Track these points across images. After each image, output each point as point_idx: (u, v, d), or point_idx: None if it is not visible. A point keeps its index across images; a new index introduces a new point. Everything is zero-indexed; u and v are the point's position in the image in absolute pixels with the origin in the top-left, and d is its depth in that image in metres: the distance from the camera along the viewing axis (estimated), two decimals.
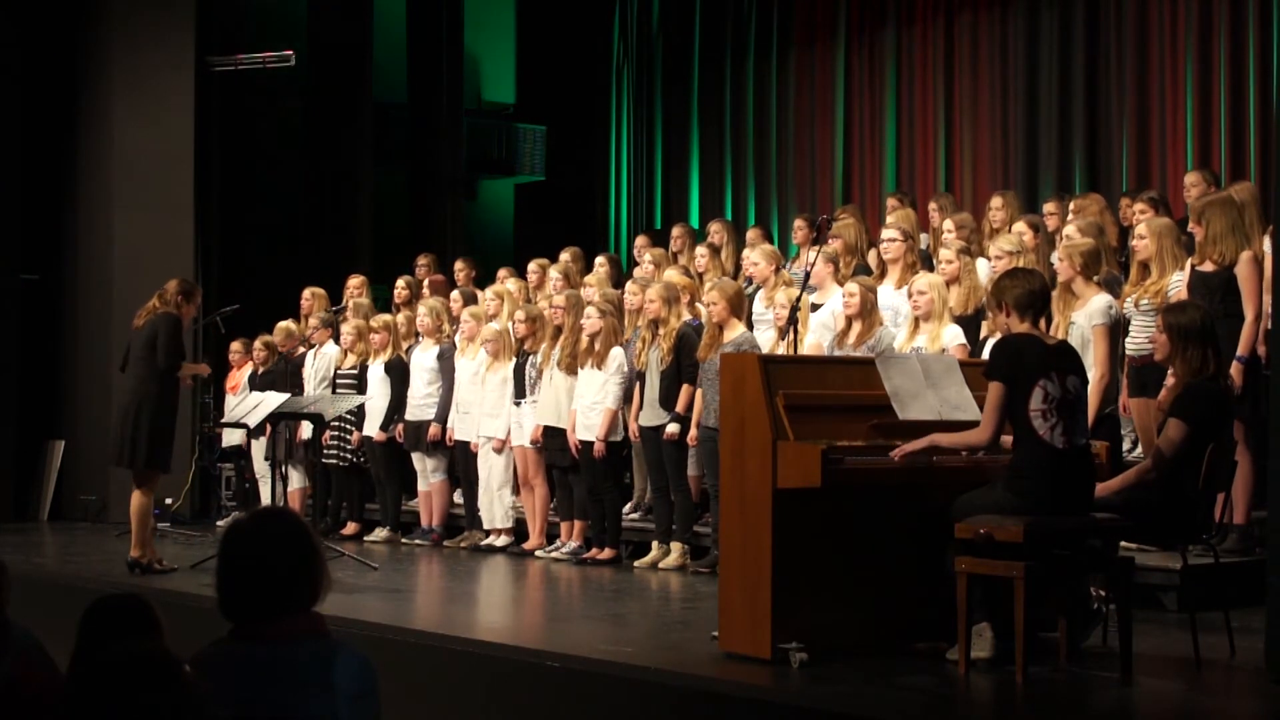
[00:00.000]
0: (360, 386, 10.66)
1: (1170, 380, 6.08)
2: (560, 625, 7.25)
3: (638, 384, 9.05)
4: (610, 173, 15.14)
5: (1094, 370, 7.13)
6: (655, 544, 8.98)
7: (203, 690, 2.58)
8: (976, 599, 5.45)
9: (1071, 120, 11.51)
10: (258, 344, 11.74)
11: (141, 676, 2.52)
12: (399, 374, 10.60)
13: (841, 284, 8.42)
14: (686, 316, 8.90)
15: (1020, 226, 8.55)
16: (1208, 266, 7.30)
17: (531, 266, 10.90)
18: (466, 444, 10.10)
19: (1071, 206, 8.95)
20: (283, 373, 11.21)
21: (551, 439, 9.38)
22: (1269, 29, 10.39)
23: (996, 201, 9.39)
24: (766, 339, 8.75)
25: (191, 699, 2.55)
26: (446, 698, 6.19)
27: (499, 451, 9.81)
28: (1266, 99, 10.35)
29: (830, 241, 9.18)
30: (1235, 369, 7.04)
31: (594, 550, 9.22)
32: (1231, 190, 7.87)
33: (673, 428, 8.70)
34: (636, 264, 10.63)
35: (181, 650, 2.93)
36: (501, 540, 9.86)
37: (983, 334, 7.85)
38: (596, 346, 9.11)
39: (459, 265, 12.09)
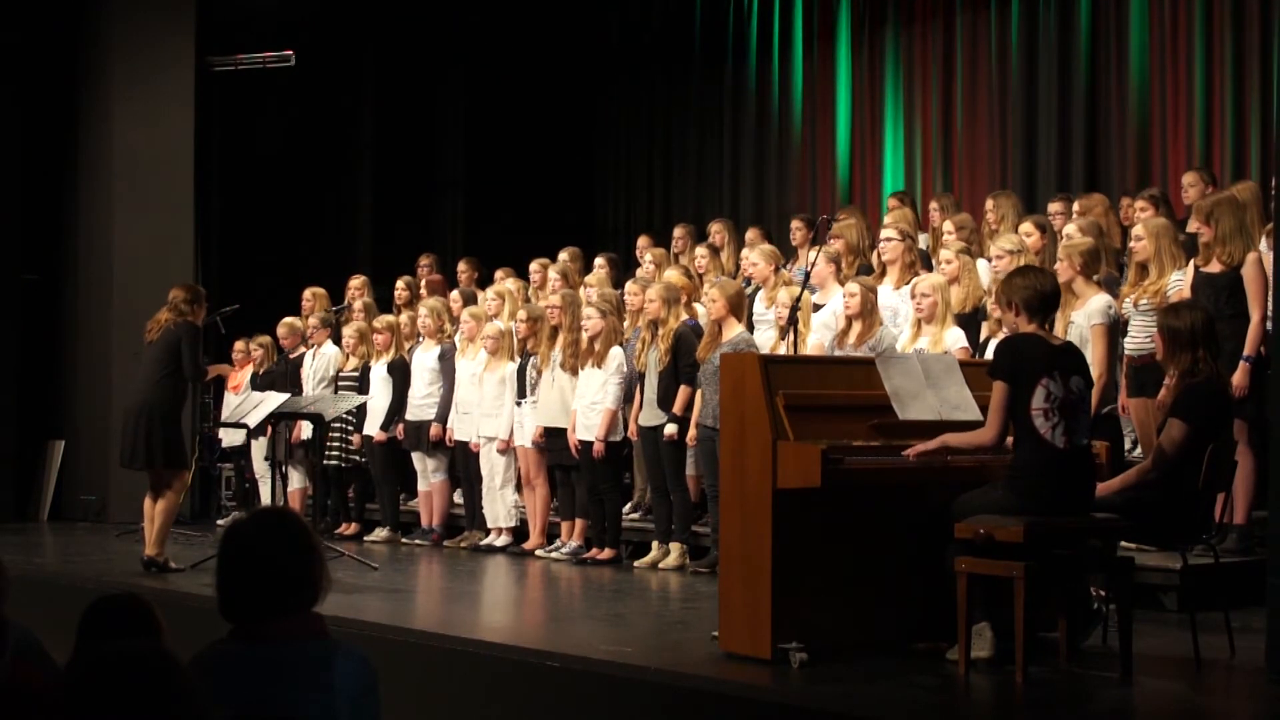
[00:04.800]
0: (362, 389, 10.67)
1: (1169, 380, 6.09)
2: (560, 625, 7.25)
3: (638, 384, 9.05)
4: (610, 173, 15.14)
5: (1092, 370, 7.13)
6: (655, 544, 8.98)
7: (202, 690, 2.57)
8: (976, 599, 5.45)
9: (1071, 120, 11.49)
10: (254, 344, 11.75)
11: (139, 675, 2.51)
12: (401, 374, 10.61)
13: (843, 284, 8.42)
14: (685, 317, 8.90)
15: (1027, 227, 8.54)
16: (1214, 267, 7.30)
17: (533, 266, 10.91)
18: (467, 444, 10.11)
19: (1076, 207, 8.95)
20: (283, 373, 11.22)
21: (554, 439, 9.38)
22: (1270, 28, 10.38)
23: (989, 204, 9.40)
24: (767, 339, 8.76)
25: (190, 699, 2.54)
26: (446, 698, 6.19)
27: (503, 452, 9.82)
28: (1268, 98, 10.33)
29: (831, 241, 9.18)
30: (1241, 369, 7.05)
31: (594, 550, 9.22)
32: (1234, 190, 7.87)
33: (670, 428, 8.70)
34: (638, 264, 10.63)
35: (181, 650, 2.93)
36: (502, 540, 9.86)
37: (983, 335, 7.85)
38: (596, 346, 9.12)
39: (461, 266, 12.09)
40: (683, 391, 8.67)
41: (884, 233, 8.91)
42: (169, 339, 8.72)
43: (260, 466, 11.35)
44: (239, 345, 12.04)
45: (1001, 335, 6.99)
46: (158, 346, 8.75)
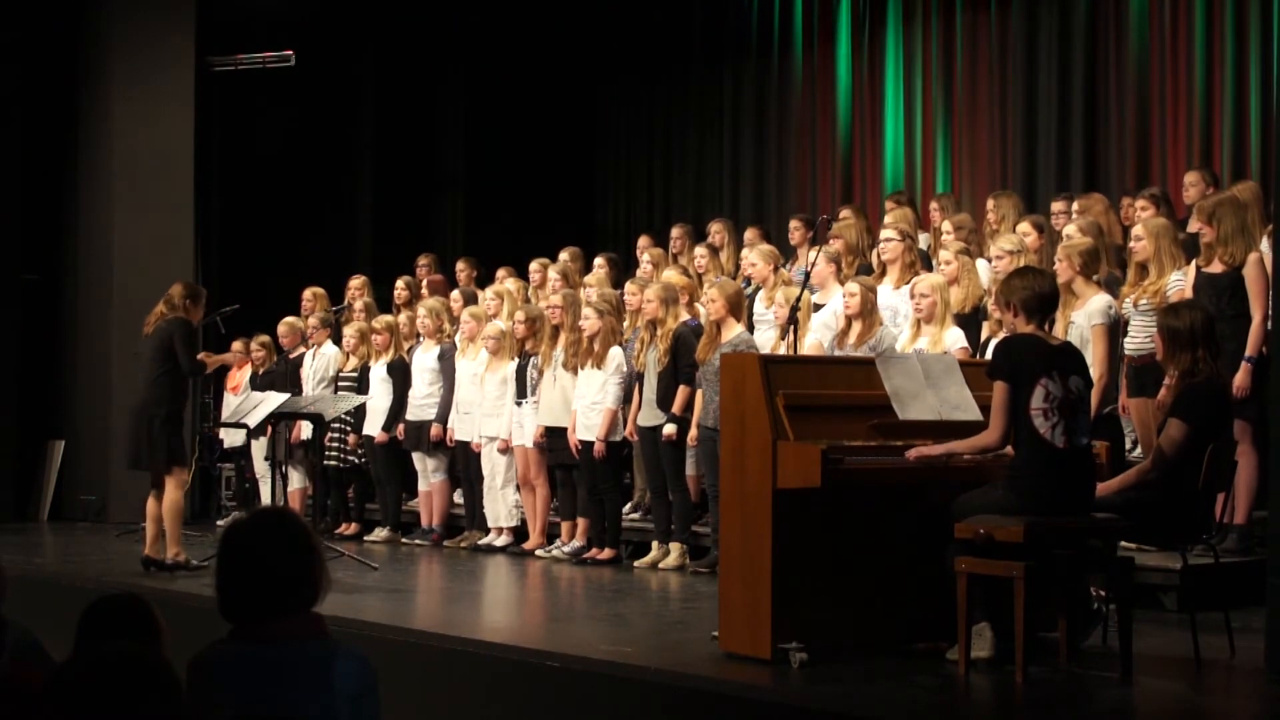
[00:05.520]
0: (362, 389, 10.66)
1: (1169, 380, 6.09)
2: (560, 625, 7.25)
3: (636, 384, 9.05)
4: (610, 172, 15.14)
5: (1092, 370, 7.13)
6: (655, 544, 8.98)
7: (192, 695, 2.58)
8: (976, 599, 5.45)
9: (1071, 120, 11.48)
10: (255, 344, 11.74)
11: (127, 679, 2.51)
12: (400, 374, 10.61)
13: (843, 284, 8.42)
14: (684, 317, 8.90)
15: (1024, 227, 8.54)
16: (1216, 267, 7.29)
17: (533, 266, 10.90)
18: (467, 444, 10.11)
19: (1075, 206, 8.94)
20: (283, 373, 11.22)
21: (555, 438, 9.38)
22: (1270, 27, 10.37)
23: (990, 204, 9.42)
24: (767, 339, 8.76)
25: (178, 702, 2.54)
26: (446, 698, 6.19)
27: (504, 452, 9.81)
28: (1267, 98, 10.33)
29: (831, 241, 9.18)
30: (1243, 369, 7.05)
31: (594, 550, 9.22)
32: (1235, 190, 7.87)
33: (669, 428, 8.70)
34: (639, 264, 10.62)
35: (182, 650, 2.93)
36: (502, 540, 9.86)
37: (983, 335, 7.85)
38: (595, 347, 9.12)
39: (460, 265, 12.09)
40: (682, 391, 8.66)
41: (884, 233, 8.91)
42: (161, 336, 8.67)
43: (260, 466, 11.34)
44: (238, 345, 12.03)
45: (1001, 336, 7.00)
46: (151, 345, 8.72)
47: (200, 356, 8.98)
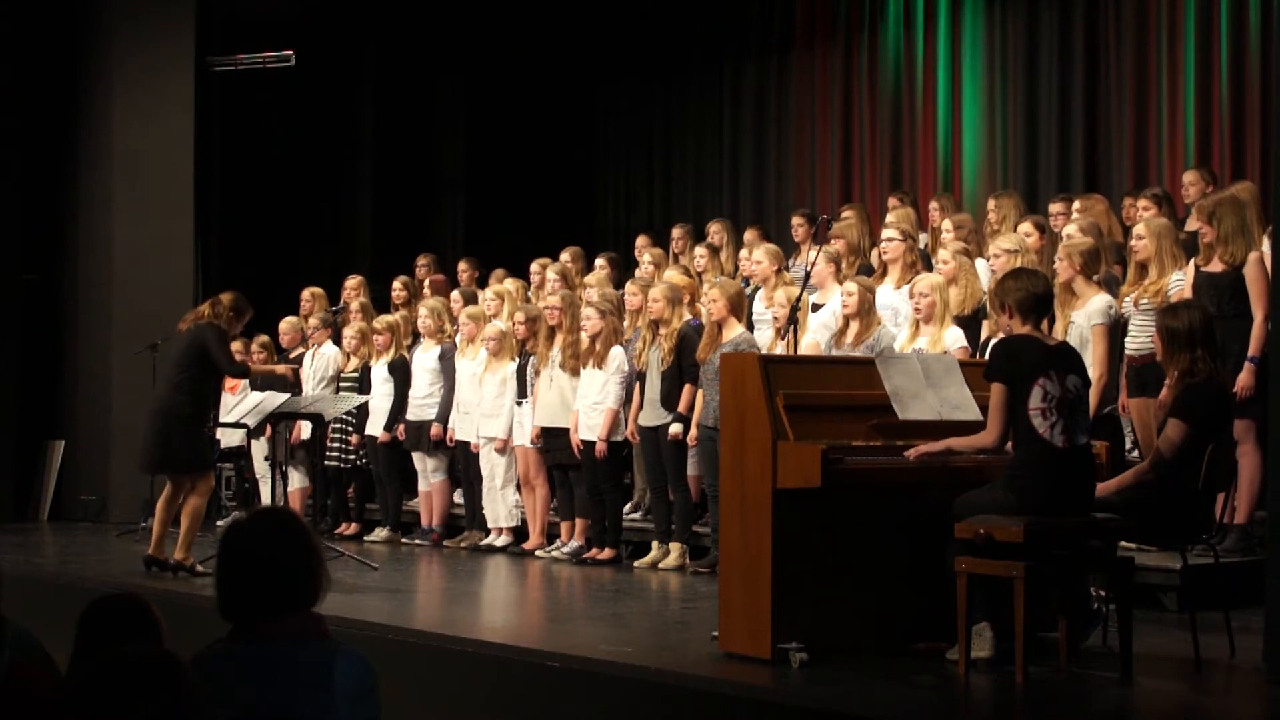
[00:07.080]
0: (362, 389, 10.66)
1: (1170, 380, 6.08)
2: (560, 625, 7.25)
3: (637, 384, 9.05)
4: (610, 172, 15.14)
5: (1092, 370, 7.13)
6: (655, 544, 8.98)
7: (203, 693, 2.57)
8: (976, 599, 5.45)
9: (1071, 120, 11.49)
10: (255, 344, 11.74)
11: (142, 679, 2.51)
12: (401, 374, 10.61)
13: (842, 284, 8.42)
14: (687, 316, 8.91)
15: (1026, 227, 8.54)
16: (1216, 267, 7.29)
17: (534, 266, 10.91)
18: (467, 444, 10.11)
19: (1076, 206, 8.95)
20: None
21: (552, 439, 9.38)
22: (1270, 27, 10.37)
23: (991, 204, 9.42)
24: (766, 339, 8.76)
25: (192, 702, 2.54)
26: (446, 698, 6.19)
27: (502, 452, 9.81)
28: (1267, 98, 10.32)
29: (832, 241, 9.18)
30: (1247, 369, 7.04)
31: (594, 550, 9.22)
32: (1234, 190, 7.87)
33: (675, 427, 8.70)
34: (638, 264, 10.63)
35: (181, 650, 2.93)
36: (502, 540, 9.86)
37: (984, 335, 7.85)
38: (597, 347, 9.12)
39: (461, 265, 12.09)
40: (687, 390, 8.66)
41: (885, 232, 8.92)
42: (191, 338, 8.60)
43: (260, 466, 11.34)
44: (237, 345, 12.00)
45: (999, 336, 7.00)
46: (178, 346, 8.68)
47: (249, 361, 9.01)
